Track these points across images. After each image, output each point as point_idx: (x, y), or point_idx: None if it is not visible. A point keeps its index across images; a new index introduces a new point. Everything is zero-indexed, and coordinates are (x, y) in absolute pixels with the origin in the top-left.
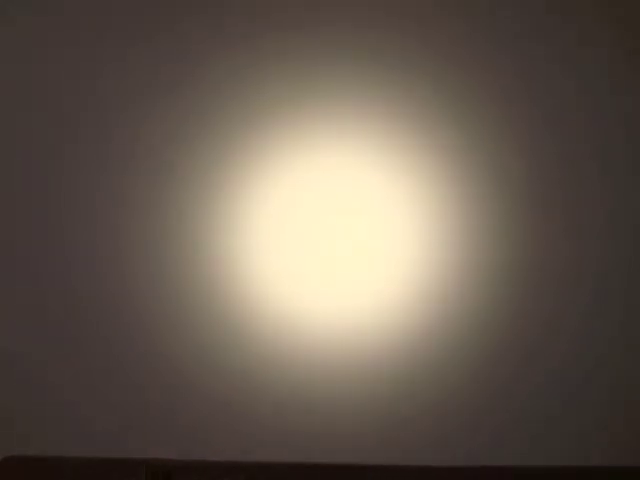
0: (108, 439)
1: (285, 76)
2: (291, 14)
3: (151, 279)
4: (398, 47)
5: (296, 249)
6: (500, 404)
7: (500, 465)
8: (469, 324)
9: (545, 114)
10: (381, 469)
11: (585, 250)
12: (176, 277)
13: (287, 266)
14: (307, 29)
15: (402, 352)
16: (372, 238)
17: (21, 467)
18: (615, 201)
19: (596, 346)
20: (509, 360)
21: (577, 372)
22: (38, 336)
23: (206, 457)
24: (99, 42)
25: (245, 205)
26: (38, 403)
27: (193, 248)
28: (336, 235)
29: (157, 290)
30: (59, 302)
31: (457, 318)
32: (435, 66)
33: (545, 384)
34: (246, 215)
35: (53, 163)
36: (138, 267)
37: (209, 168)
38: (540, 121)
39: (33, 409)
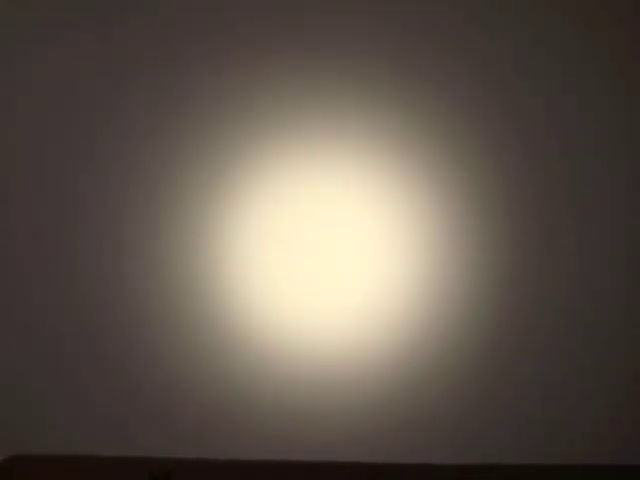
0: (108, 439)
1: (280, 97)
2: (292, 36)
3: (151, 280)
4: (390, 73)
5: (285, 254)
6: (486, 404)
7: (493, 464)
8: (456, 325)
9: (526, 140)
10: (380, 468)
11: (558, 264)
12: (175, 278)
13: (278, 269)
14: (309, 51)
15: (391, 353)
16: (357, 244)
17: (22, 466)
18: (586, 224)
19: (572, 349)
20: (494, 359)
21: (555, 374)
22: (38, 336)
23: (206, 457)
24: (102, 57)
25: (238, 210)
26: (38, 403)
27: (190, 251)
28: (323, 240)
29: (157, 291)
30: (59, 302)
31: (444, 319)
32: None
33: (530, 384)
34: (240, 218)
35: (53, 165)
36: (137, 269)
37: (206, 177)
38: (520, 145)
39: (33, 409)
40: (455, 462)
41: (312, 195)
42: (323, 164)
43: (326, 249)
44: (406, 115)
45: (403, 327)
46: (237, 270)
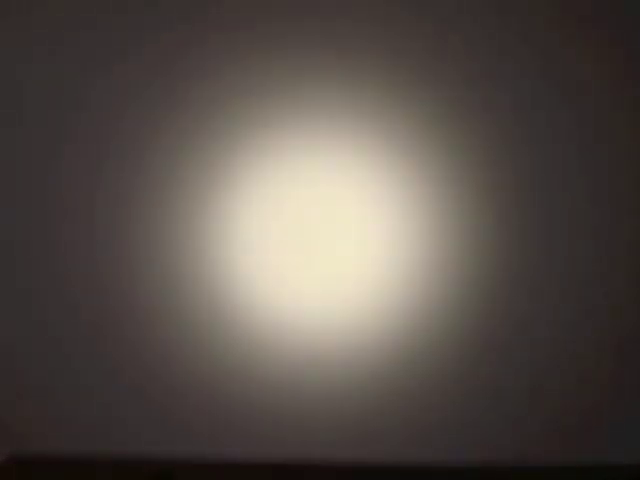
0: (108, 439)
1: (279, 93)
2: (292, 36)
3: (150, 280)
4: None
5: (281, 249)
6: (485, 401)
7: (493, 464)
8: (454, 320)
9: (520, 141)
10: (380, 468)
11: (553, 262)
12: (175, 278)
13: (279, 253)
14: (309, 51)
15: (384, 351)
16: (352, 239)
17: (23, 466)
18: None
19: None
20: (485, 355)
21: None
22: (38, 337)
23: (206, 457)
24: (102, 56)
25: (240, 197)
26: (38, 403)
27: (190, 249)
28: (317, 236)
29: (155, 290)
30: (59, 302)
31: (444, 310)
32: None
33: (530, 382)
34: (242, 218)
35: (53, 164)
36: (137, 268)
37: (207, 164)
38: (515, 146)
39: (33, 409)
40: (454, 462)
41: (313, 185)
42: (323, 157)
43: (327, 234)
44: (405, 115)
45: (402, 321)
46: (238, 255)
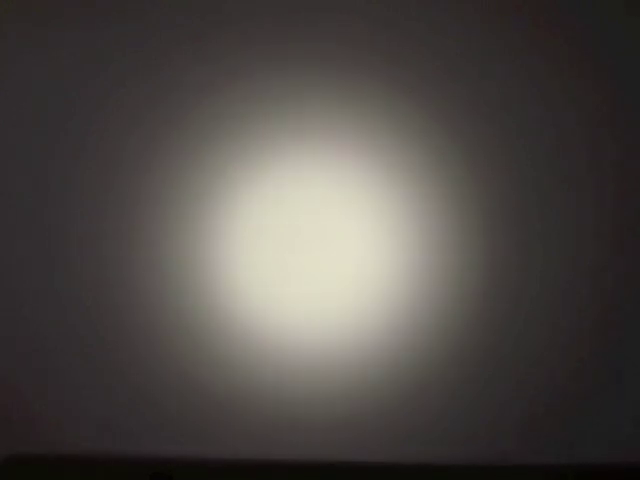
0: (108, 439)
1: (279, 99)
2: (292, 39)
3: (151, 280)
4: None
5: (281, 251)
6: (482, 401)
7: (492, 464)
8: (446, 322)
9: (508, 143)
10: (380, 468)
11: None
12: (176, 279)
13: (274, 268)
14: (309, 54)
15: (383, 352)
16: (351, 242)
17: (23, 466)
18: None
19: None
20: (483, 355)
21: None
22: (39, 337)
23: (206, 457)
24: (103, 57)
25: (238, 205)
26: (38, 403)
27: (193, 250)
28: (317, 239)
29: (156, 291)
30: (60, 302)
31: (435, 317)
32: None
33: (530, 380)
34: (241, 220)
35: (55, 164)
36: (138, 270)
37: (205, 175)
38: (504, 148)
39: (33, 409)
40: (455, 462)
41: (312, 190)
42: (319, 164)
43: (326, 236)
44: (402, 119)
45: (402, 320)
46: (238, 261)
